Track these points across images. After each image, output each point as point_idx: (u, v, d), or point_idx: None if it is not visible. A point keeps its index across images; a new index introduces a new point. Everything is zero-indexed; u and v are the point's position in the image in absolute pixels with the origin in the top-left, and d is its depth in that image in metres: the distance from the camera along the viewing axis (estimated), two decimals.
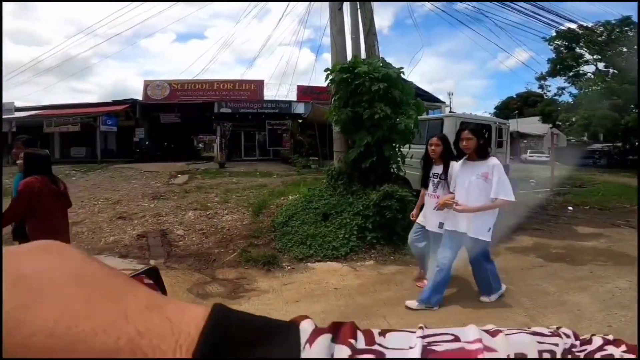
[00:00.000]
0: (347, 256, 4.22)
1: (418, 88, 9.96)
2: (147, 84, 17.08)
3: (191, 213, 5.69)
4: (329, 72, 5.20)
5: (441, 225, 3.09)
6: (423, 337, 0.21)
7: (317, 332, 0.19)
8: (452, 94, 33.04)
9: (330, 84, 5.23)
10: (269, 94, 18.35)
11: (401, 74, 5.03)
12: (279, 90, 18.12)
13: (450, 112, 16.38)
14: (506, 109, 35.30)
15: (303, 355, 0.18)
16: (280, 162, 14.84)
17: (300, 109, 17.34)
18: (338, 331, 0.20)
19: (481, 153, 2.85)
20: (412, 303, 2.96)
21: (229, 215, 5.64)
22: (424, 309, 2.94)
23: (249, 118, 17.52)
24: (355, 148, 4.98)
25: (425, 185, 3.31)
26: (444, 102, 23.46)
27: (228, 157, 14.68)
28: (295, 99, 18.11)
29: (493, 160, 2.83)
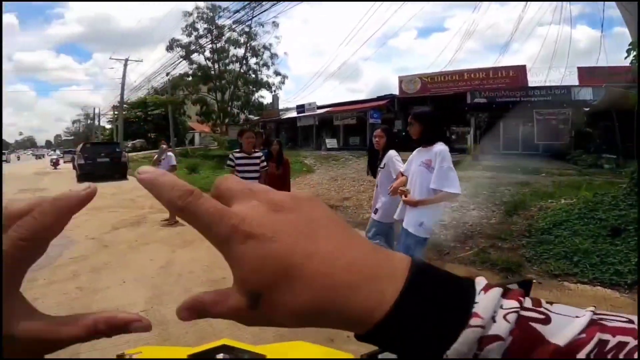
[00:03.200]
0: (634, 286, 3.09)
1: None
2: (401, 80, 18.38)
3: None
4: (633, 47, 3.84)
5: (375, 211, 3.29)
6: (593, 312, 0.22)
7: (489, 286, 0.22)
8: None
9: (634, 61, 3.88)
10: (535, 79, 15.52)
11: None
12: (549, 75, 14.72)
13: None
14: None
15: (477, 300, 0.20)
16: (551, 159, 12.19)
17: (585, 94, 13.43)
18: (508, 290, 0.22)
19: (427, 139, 2.54)
20: None
21: (476, 211, 5.27)
22: None
23: (509, 108, 15.36)
24: None
25: (374, 175, 3.48)
26: None
27: (483, 149, 13.64)
28: (576, 83, 14.19)
29: (438, 147, 2.47)
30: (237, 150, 3.81)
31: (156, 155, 5.93)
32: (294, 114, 22.71)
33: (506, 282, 0.48)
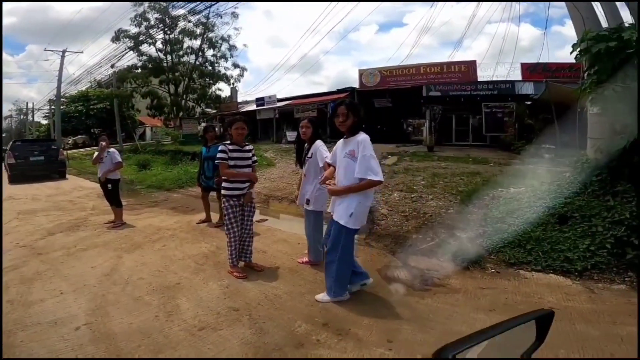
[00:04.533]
0: (584, 273, 3.26)
1: None
2: (361, 73, 18.79)
3: (396, 194, 5.82)
4: (578, 42, 4.16)
5: (307, 202, 3.38)
6: None
7: None
8: None
9: (579, 57, 4.19)
10: (484, 74, 16.52)
11: None
12: (496, 70, 15.96)
13: None
14: None
15: None
16: (498, 149, 13.05)
17: (527, 89, 14.75)
18: None
19: (353, 130, 2.60)
20: (320, 296, 2.83)
21: (434, 201, 5.39)
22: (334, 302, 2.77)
23: (461, 101, 16.29)
24: (627, 135, 3.79)
25: (301, 165, 3.56)
26: None
27: (437, 141, 14.24)
28: (519, 78, 15.46)
29: (360, 136, 2.55)
30: (229, 142, 3.43)
31: (96, 153, 5.35)
32: (253, 107, 22.09)
33: (524, 315, 0.40)
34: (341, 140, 2.77)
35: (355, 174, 2.49)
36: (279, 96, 21.36)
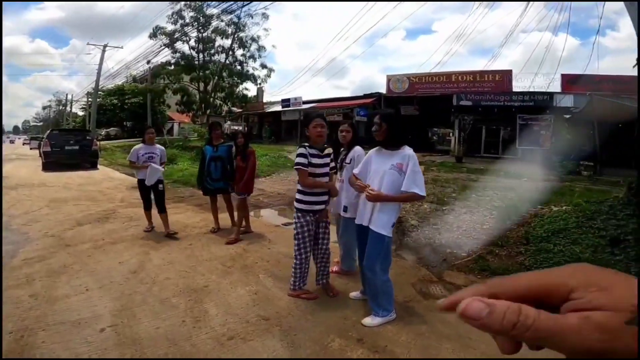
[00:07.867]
0: None
1: None
2: (389, 79, 18.44)
3: (427, 205, 5.57)
4: None
5: (345, 209, 3.17)
6: None
7: None
8: None
9: None
10: (520, 85, 15.89)
11: None
12: (534, 81, 15.30)
13: None
14: None
15: None
16: (531, 164, 12.49)
17: (567, 101, 14.03)
18: None
19: (394, 142, 2.52)
20: (368, 320, 2.60)
21: (468, 215, 5.10)
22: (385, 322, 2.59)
23: (493, 111, 15.71)
24: None
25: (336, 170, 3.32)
26: None
27: (466, 152, 13.77)
28: (559, 89, 14.74)
29: (407, 151, 2.49)
30: (307, 144, 2.88)
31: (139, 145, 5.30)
32: (278, 108, 22.23)
33: None
34: (374, 150, 2.62)
35: (403, 187, 2.43)
36: (304, 99, 21.42)
